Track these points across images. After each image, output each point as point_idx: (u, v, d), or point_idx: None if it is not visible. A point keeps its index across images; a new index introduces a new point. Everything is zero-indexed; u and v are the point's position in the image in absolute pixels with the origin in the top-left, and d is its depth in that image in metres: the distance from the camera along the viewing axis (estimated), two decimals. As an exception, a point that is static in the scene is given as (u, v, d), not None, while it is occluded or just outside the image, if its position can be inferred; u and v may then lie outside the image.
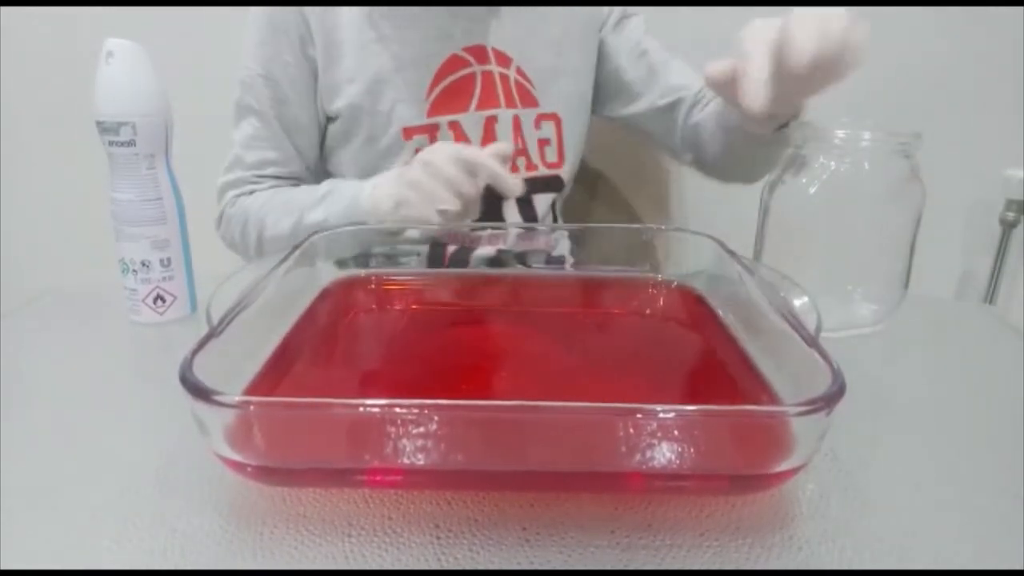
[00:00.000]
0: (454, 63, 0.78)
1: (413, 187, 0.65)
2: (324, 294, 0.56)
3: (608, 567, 0.33)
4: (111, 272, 0.60)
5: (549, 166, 0.84)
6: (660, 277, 0.60)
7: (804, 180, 0.57)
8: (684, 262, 0.60)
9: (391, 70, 0.76)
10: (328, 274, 0.58)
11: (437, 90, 0.78)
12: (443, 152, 0.64)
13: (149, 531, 0.35)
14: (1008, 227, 1.16)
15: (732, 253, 0.53)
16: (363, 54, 0.76)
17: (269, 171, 0.80)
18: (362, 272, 0.60)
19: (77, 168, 1.19)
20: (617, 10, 0.87)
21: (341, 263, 0.60)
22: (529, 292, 0.63)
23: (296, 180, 0.82)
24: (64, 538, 0.34)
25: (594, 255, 0.66)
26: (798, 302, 0.44)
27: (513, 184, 0.63)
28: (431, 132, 0.78)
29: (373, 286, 0.60)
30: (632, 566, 0.33)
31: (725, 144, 0.78)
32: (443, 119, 0.78)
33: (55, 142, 1.18)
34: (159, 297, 0.58)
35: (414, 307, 0.61)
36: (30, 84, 1.15)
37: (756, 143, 0.71)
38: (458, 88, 0.78)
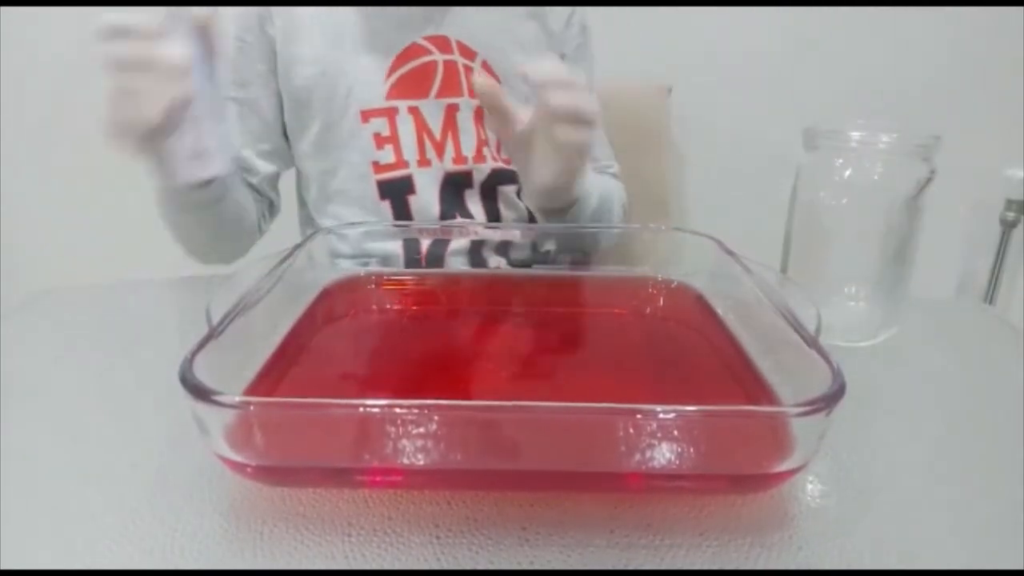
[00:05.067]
0: (415, 51, 0.78)
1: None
2: (324, 294, 0.56)
3: (608, 567, 0.33)
4: (111, 272, 0.60)
5: (507, 160, 0.83)
6: (660, 277, 0.60)
7: (820, 184, 0.57)
8: (684, 262, 0.60)
9: (350, 52, 0.76)
10: (328, 274, 0.58)
11: (396, 75, 0.77)
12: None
13: (149, 531, 0.35)
14: (1008, 227, 1.16)
15: (732, 253, 0.53)
16: (322, 36, 0.76)
17: (251, 149, 0.79)
18: (362, 272, 0.61)
19: (77, 168, 1.19)
20: (574, 41, 0.87)
21: (342, 263, 0.60)
22: (529, 292, 0.63)
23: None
24: (64, 538, 0.34)
25: (594, 255, 0.66)
26: (798, 302, 0.44)
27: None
28: (390, 115, 0.77)
29: (373, 286, 0.60)
30: (632, 566, 0.33)
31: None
32: (402, 103, 0.78)
33: (55, 142, 1.18)
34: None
35: (414, 307, 0.61)
36: (30, 84, 1.15)
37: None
38: (418, 74, 0.78)
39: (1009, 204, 1.14)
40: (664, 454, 0.33)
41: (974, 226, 1.18)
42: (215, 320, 0.39)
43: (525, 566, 0.33)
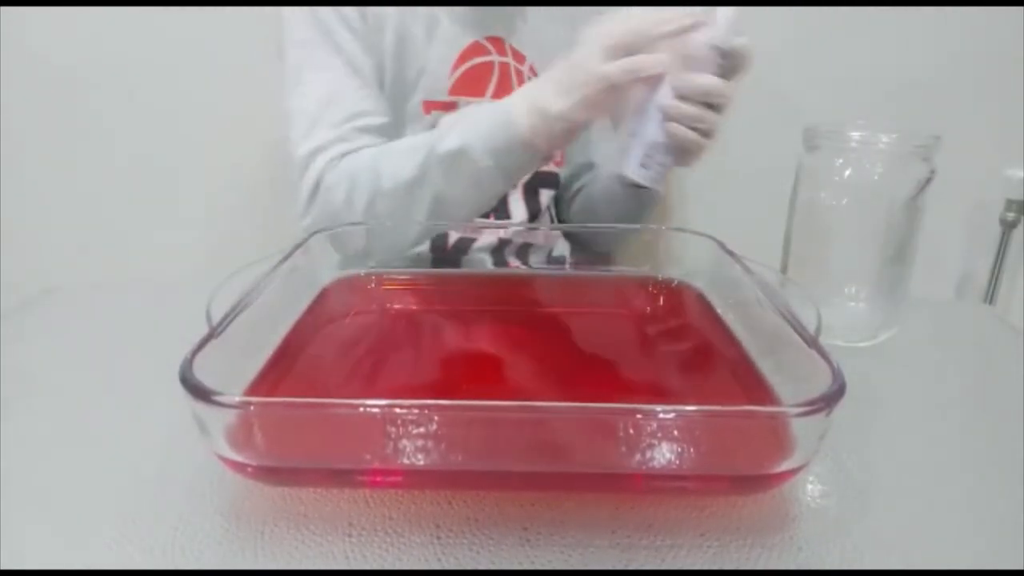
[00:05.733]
0: (476, 48, 0.78)
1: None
2: (324, 294, 0.56)
3: (608, 567, 0.33)
4: (111, 272, 0.60)
5: (558, 163, 0.85)
6: (660, 277, 0.60)
7: (820, 184, 0.57)
8: (684, 262, 0.60)
9: (422, 41, 0.76)
10: (328, 274, 0.58)
11: (460, 71, 0.77)
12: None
13: (149, 531, 0.35)
14: (1008, 227, 1.16)
15: (732, 253, 0.53)
16: (399, 24, 0.75)
17: (361, 123, 0.71)
18: (362, 272, 0.60)
19: (78, 168, 1.19)
20: None
21: (342, 263, 0.60)
22: (529, 292, 0.63)
23: (390, 137, 0.74)
24: (64, 538, 0.34)
25: (594, 255, 0.66)
26: (798, 302, 0.44)
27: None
28: (449, 109, 0.77)
29: (373, 286, 0.60)
30: (632, 566, 0.33)
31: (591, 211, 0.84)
32: (462, 100, 0.78)
33: (56, 142, 1.18)
34: None
35: (414, 307, 0.61)
36: (31, 84, 1.15)
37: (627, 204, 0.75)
38: (478, 73, 0.79)
39: (1009, 204, 1.14)
40: (664, 454, 0.33)
41: (974, 226, 1.18)
42: (215, 320, 0.39)
43: (526, 566, 0.33)
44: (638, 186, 0.63)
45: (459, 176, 0.63)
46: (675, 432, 0.33)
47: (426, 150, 0.64)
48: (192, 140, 1.17)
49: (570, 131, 0.61)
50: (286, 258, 0.51)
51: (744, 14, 0.57)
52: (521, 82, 0.81)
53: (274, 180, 1.15)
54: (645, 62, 0.56)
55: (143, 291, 0.67)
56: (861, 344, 0.57)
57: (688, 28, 0.56)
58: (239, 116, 1.14)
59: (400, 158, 0.66)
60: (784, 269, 0.60)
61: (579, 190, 0.88)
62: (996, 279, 1.19)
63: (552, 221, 0.90)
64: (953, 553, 0.34)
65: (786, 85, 1.11)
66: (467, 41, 0.77)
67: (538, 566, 0.33)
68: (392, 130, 0.75)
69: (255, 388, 0.41)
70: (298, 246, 0.54)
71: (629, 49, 0.57)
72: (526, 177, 0.80)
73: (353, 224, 0.62)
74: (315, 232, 0.58)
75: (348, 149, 0.69)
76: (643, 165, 0.60)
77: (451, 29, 0.77)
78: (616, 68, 0.56)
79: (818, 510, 0.37)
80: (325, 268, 0.58)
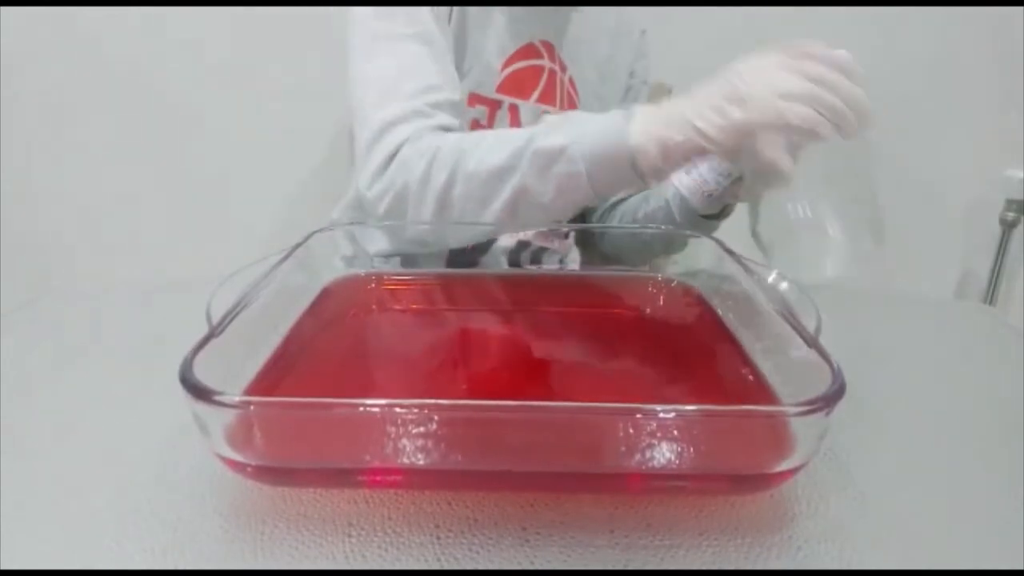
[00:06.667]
0: (530, 50, 0.78)
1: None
2: (324, 294, 0.56)
3: (608, 567, 0.33)
4: (111, 272, 0.60)
5: None
6: (660, 277, 0.60)
7: None
8: (684, 262, 0.60)
9: (480, 33, 0.75)
10: (328, 274, 0.58)
11: (510, 69, 0.77)
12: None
13: (149, 531, 0.35)
14: (1008, 227, 1.16)
15: (732, 253, 0.53)
16: (460, 13, 0.74)
17: (435, 97, 0.68)
18: (362, 272, 0.60)
19: (78, 168, 1.19)
20: (640, 69, 0.89)
21: (344, 262, 0.60)
22: (529, 292, 0.63)
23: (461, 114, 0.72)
24: (64, 538, 0.34)
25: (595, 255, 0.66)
26: (798, 302, 0.44)
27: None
28: (492, 108, 0.77)
29: (373, 286, 0.60)
30: (632, 566, 0.33)
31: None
32: (507, 99, 0.78)
33: (56, 143, 1.18)
34: None
35: (414, 307, 0.61)
36: (31, 83, 1.15)
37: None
38: (527, 75, 0.78)
39: (1009, 204, 1.14)
40: (664, 454, 0.33)
41: (974, 226, 1.18)
42: (215, 320, 0.39)
43: (525, 566, 0.33)
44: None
45: (551, 174, 0.60)
46: (675, 432, 0.33)
47: (523, 141, 0.61)
48: (192, 140, 1.17)
49: (684, 157, 0.56)
50: (286, 258, 0.51)
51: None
52: (563, 91, 0.81)
53: (275, 180, 1.15)
54: (823, 124, 0.50)
55: (143, 291, 0.67)
56: (861, 343, 0.56)
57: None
58: (240, 116, 1.14)
59: (491, 145, 0.63)
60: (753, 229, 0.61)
61: (615, 205, 0.87)
62: (996, 279, 1.19)
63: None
64: (953, 553, 0.34)
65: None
66: (523, 41, 0.77)
67: (537, 566, 0.33)
68: (463, 108, 0.72)
69: (255, 388, 0.41)
70: (298, 246, 0.54)
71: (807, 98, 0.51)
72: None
73: (353, 224, 0.62)
74: (315, 232, 0.58)
75: (428, 125, 0.67)
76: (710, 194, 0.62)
77: (508, 27, 0.76)
78: (797, 114, 0.50)
79: (818, 510, 0.37)
80: (325, 268, 0.58)
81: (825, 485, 0.39)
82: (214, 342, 0.37)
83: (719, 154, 0.56)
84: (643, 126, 0.56)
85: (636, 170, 0.57)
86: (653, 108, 0.57)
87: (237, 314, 0.40)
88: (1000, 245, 1.17)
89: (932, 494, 0.39)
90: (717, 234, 0.57)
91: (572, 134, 0.59)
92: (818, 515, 0.37)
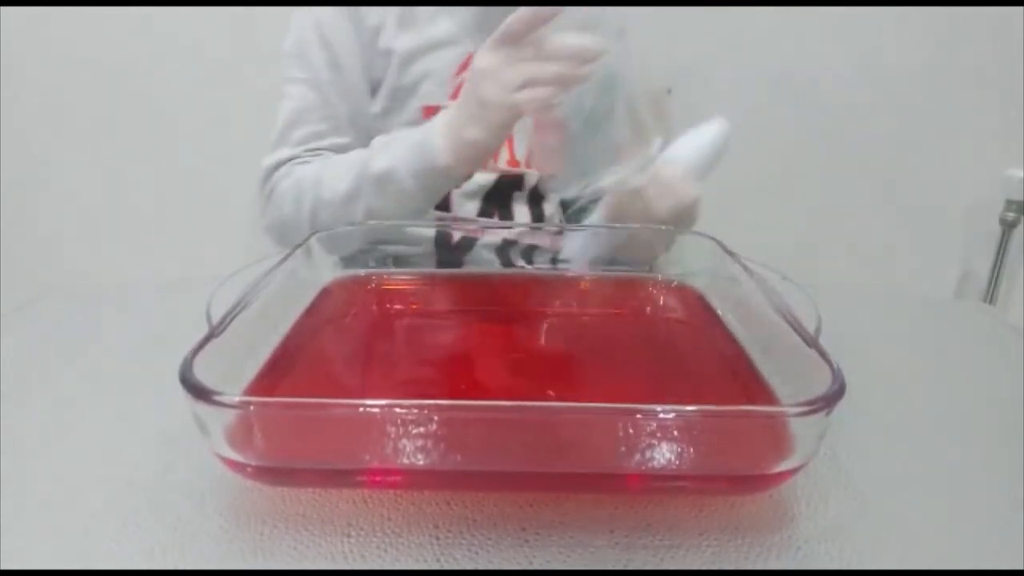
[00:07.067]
0: None
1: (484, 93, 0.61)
2: (324, 294, 0.56)
3: (607, 567, 0.33)
4: (111, 272, 0.60)
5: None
6: (660, 277, 0.60)
7: None
8: (684, 262, 0.60)
9: (424, 47, 0.76)
10: (328, 274, 0.58)
11: (462, 77, 0.76)
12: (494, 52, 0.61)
13: (149, 531, 0.35)
14: (1008, 227, 1.16)
15: (732, 253, 0.53)
16: (399, 30, 0.76)
17: (322, 144, 0.76)
18: (362, 272, 0.60)
19: (78, 168, 1.19)
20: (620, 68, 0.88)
21: (343, 262, 0.60)
22: (529, 292, 0.63)
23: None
24: (64, 538, 0.34)
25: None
26: (798, 302, 0.44)
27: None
28: None
29: (373, 286, 0.60)
30: (631, 566, 0.33)
31: None
32: None
33: (56, 143, 1.19)
34: None
35: (414, 307, 0.61)
36: (31, 83, 1.15)
37: None
38: None
39: (1009, 204, 1.14)
40: (664, 454, 0.33)
41: (974, 226, 1.18)
42: (215, 320, 0.39)
43: (525, 566, 0.33)
44: None
45: (387, 194, 0.67)
46: (674, 432, 0.33)
47: (359, 167, 0.69)
48: (192, 140, 1.17)
49: (487, 153, 0.66)
50: (286, 258, 0.51)
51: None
52: None
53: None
54: (551, 95, 0.59)
55: (143, 291, 0.67)
56: (860, 344, 0.56)
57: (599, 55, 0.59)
58: (240, 116, 1.14)
59: (337, 172, 0.70)
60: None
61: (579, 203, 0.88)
62: (996, 279, 1.19)
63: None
64: (953, 553, 0.34)
65: (785, 85, 1.11)
66: (470, 48, 0.77)
67: (537, 566, 0.33)
68: (355, 148, 0.77)
69: (255, 388, 0.41)
70: (298, 246, 0.54)
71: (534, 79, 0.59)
72: (531, 183, 0.81)
73: (352, 224, 0.62)
74: (314, 232, 0.58)
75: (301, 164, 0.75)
76: None
77: (454, 35, 0.77)
78: (526, 98, 0.59)
79: (818, 510, 0.37)
80: (325, 268, 0.58)
81: (825, 485, 0.39)
82: (214, 342, 0.37)
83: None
84: (441, 131, 0.65)
85: (451, 171, 0.66)
86: (450, 110, 0.65)
87: (237, 314, 0.40)
88: (1000, 245, 1.17)
89: (932, 494, 0.39)
90: (717, 234, 0.57)
91: (393, 156, 0.67)
92: (818, 515, 0.37)
